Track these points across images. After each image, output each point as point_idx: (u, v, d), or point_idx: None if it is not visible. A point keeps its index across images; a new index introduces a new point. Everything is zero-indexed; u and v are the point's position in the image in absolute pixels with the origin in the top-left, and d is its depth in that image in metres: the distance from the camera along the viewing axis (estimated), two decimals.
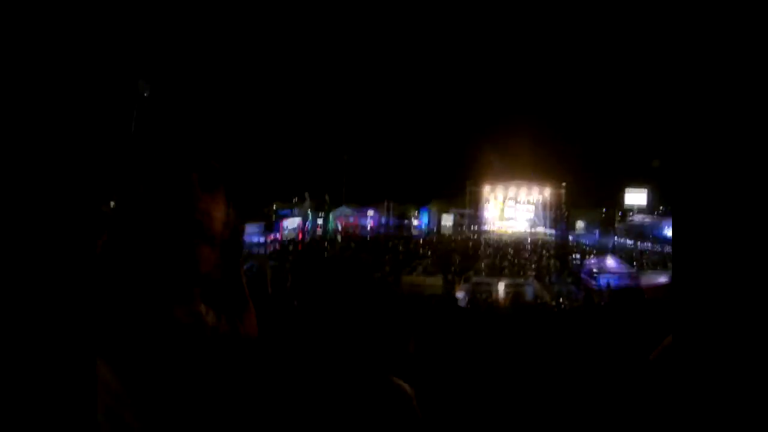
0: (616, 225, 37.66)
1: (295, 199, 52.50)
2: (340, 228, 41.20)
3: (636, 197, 46.66)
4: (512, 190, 46.94)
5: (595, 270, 22.56)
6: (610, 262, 22.87)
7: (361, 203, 47.18)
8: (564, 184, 44.92)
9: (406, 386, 1.20)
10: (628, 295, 3.95)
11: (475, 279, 21.53)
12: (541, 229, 42.99)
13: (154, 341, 0.87)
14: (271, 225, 36.87)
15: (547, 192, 45.56)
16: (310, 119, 65.35)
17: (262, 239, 32.84)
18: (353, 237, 38.21)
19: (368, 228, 41.79)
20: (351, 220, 42.87)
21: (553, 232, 38.78)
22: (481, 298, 18.83)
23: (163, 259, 0.86)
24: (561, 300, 18.76)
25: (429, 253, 28.39)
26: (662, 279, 20.30)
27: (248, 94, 61.45)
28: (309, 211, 44.07)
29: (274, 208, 50.64)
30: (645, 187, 47.01)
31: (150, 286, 0.88)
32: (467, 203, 48.07)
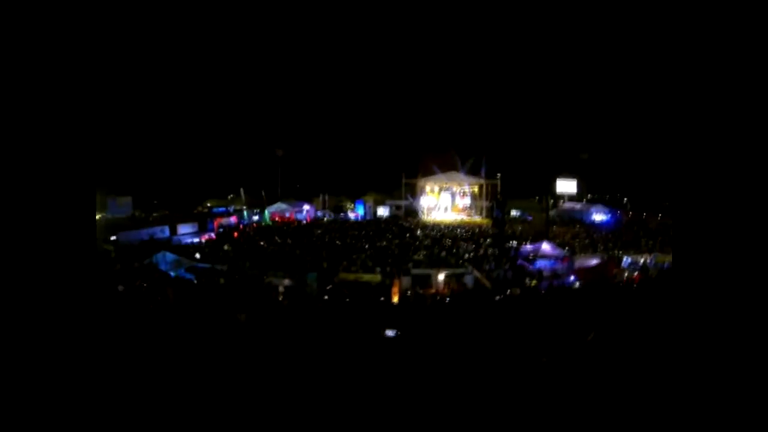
0: (549, 211, 38.90)
1: (231, 196, 51.10)
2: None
3: (567, 185, 48.69)
4: (448, 182, 47.52)
5: (531, 255, 23.14)
6: (545, 246, 23.49)
7: (297, 198, 46.67)
8: (499, 175, 45.95)
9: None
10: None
11: (414, 271, 21.30)
12: (477, 218, 43.79)
13: None
14: (205, 224, 35.56)
15: (483, 183, 46.45)
16: (244, 114, 63.69)
17: (196, 240, 31.52)
18: (289, 227, 36.99)
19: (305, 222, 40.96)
20: (287, 215, 41.97)
21: (489, 221, 39.50)
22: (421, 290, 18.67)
23: None
24: (500, 286, 19.04)
25: (366, 246, 27.93)
26: (593, 261, 21.11)
27: (179, 91, 59.14)
28: (244, 208, 42.90)
29: (209, 205, 49.09)
30: (574, 177, 49.13)
31: None
32: (403, 195, 48.35)
